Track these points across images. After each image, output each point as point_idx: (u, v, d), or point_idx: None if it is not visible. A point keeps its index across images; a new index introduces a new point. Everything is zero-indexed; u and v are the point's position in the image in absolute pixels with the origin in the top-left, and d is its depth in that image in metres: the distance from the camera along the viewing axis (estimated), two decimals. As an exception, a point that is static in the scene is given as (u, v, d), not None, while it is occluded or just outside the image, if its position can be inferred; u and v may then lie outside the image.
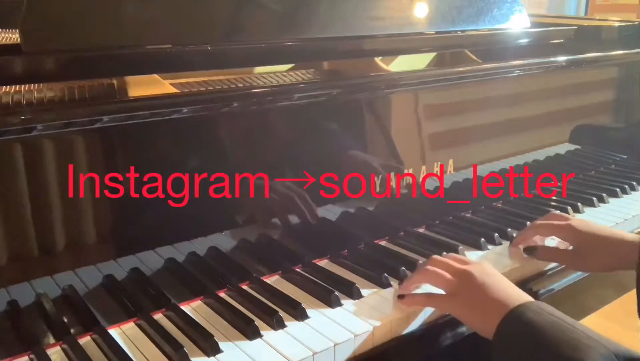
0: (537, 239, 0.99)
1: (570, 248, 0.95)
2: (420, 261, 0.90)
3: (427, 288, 0.83)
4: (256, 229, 0.87)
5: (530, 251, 0.96)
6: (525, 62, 1.14)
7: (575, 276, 0.98)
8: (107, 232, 0.75)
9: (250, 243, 0.87)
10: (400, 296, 0.81)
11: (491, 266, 0.80)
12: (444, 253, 0.93)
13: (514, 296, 0.73)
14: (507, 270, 0.92)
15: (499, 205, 1.18)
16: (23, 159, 0.67)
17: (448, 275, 0.79)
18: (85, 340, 0.74)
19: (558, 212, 1.05)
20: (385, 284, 0.86)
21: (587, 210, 1.17)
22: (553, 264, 0.98)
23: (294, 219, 0.91)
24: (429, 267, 0.81)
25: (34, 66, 0.70)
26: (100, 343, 0.73)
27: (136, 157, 0.76)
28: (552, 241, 0.99)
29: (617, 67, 1.40)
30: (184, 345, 0.70)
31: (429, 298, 0.80)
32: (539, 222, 0.98)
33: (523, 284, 0.92)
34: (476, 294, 0.75)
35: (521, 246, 0.98)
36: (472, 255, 0.96)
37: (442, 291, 0.79)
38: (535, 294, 0.92)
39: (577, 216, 1.13)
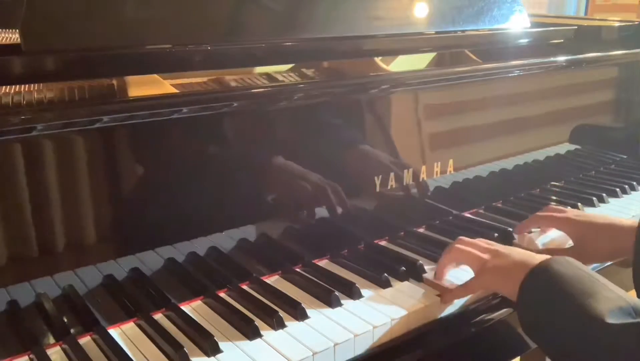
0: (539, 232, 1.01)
1: (570, 241, 0.96)
2: (421, 262, 0.91)
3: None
4: (256, 229, 0.87)
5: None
6: (525, 62, 1.14)
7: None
8: (107, 232, 0.75)
9: (250, 243, 0.87)
10: (429, 282, 0.84)
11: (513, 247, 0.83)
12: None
13: (537, 257, 0.76)
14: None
15: (499, 205, 1.19)
16: (23, 159, 0.67)
17: (476, 251, 0.82)
18: (85, 340, 0.74)
19: (554, 205, 1.07)
20: (385, 284, 0.86)
21: (587, 210, 1.16)
22: None
23: (294, 219, 0.91)
24: (459, 245, 0.84)
25: (34, 66, 0.70)
26: (100, 343, 0.73)
27: (136, 157, 0.76)
28: (552, 234, 1.00)
29: (617, 67, 1.40)
30: (184, 345, 0.70)
31: (464, 287, 0.82)
32: (539, 214, 1.01)
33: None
34: (503, 259, 0.78)
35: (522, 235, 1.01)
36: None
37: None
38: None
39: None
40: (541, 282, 0.72)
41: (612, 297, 0.67)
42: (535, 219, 1.01)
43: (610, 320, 0.64)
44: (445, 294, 0.83)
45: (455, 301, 0.83)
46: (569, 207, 1.14)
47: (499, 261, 0.79)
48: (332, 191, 0.93)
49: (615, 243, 0.90)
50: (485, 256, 0.81)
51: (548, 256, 0.76)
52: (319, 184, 0.91)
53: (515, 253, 0.79)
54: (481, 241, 0.86)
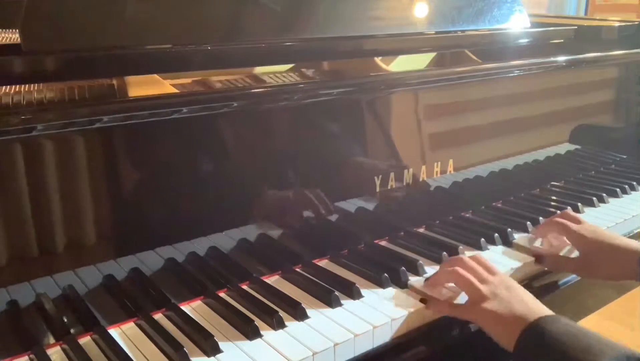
0: (551, 237, 1.01)
1: (576, 252, 0.96)
2: (421, 262, 0.91)
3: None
4: (256, 229, 0.87)
5: (538, 260, 0.96)
6: (525, 62, 1.14)
7: (576, 276, 0.98)
8: (107, 232, 0.75)
9: (250, 243, 0.87)
10: (423, 301, 0.83)
11: (512, 279, 0.83)
12: (444, 253, 0.93)
13: (534, 310, 0.76)
14: (507, 269, 0.92)
15: (499, 205, 1.18)
16: (23, 159, 0.67)
17: (476, 282, 0.80)
18: (85, 340, 0.74)
19: (570, 211, 1.07)
20: (385, 284, 0.86)
21: (587, 210, 1.17)
22: None
23: (294, 219, 0.91)
24: (459, 270, 0.82)
25: (34, 66, 0.70)
26: (100, 343, 0.73)
27: (136, 157, 0.76)
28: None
29: (617, 67, 1.40)
30: (184, 345, 0.70)
31: (454, 307, 0.82)
32: (554, 219, 1.01)
33: (525, 283, 0.92)
34: (500, 306, 0.77)
35: (537, 242, 1.01)
36: (472, 255, 0.96)
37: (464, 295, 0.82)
38: (537, 293, 0.92)
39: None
40: (538, 339, 0.72)
41: (606, 350, 0.67)
42: (549, 224, 1.01)
43: None
44: (434, 304, 0.82)
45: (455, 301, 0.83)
46: (569, 208, 1.14)
47: (497, 306, 0.77)
48: (332, 191, 0.93)
49: (621, 266, 0.90)
50: (484, 289, 0.79)
51: (542, 310, 0.76)
52: (320, 183, 0.91)
53: (515, 300, 0.78)
54: (482, 267, 0.83)
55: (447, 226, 1.07)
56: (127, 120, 0.72)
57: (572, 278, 0.98)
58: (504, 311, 0.77)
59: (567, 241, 0.98)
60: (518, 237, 1.03)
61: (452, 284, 0.85)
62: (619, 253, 0.91)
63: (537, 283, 0.95)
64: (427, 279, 0.87)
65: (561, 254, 0.98)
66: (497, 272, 0.83)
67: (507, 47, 1.18)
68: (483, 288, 0.80)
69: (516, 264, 0.94)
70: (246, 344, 0.73)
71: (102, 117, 0.70)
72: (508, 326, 0.75)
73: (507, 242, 1.02)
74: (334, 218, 0.95)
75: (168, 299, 0.80)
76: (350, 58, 1.08)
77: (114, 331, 0.75)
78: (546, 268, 0.97)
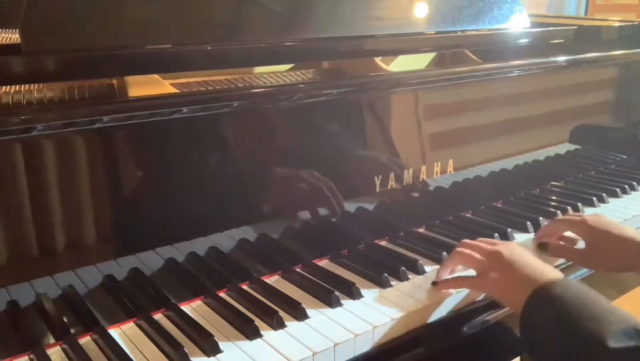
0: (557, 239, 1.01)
1: (582, 243, 0.96)
2: (421, 262, 0.91)
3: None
4: (256, 229, 0.87)
5: (543, 248, 0.97)
6: (525, 62, 1.14)
7: (576, 276, 0.98)
8: (107, 232, 0.75)
9: (250, 243, 0.87)
10: (434, 283, 0.84)
11: (519, 246, 0.83)
12: (444, 253, 0.93)
13: (543, 272, 0.75)
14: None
15: (499, 205, 1.18)
16: (23, 159, 0.67)
17: (478, 255, 0.82)
18: (85, 340, 0.73)
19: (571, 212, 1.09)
20: (385, 284, 0.86)
21: (587, 210, 1.17)
22: (559, 261, 0.98)
23: (294, 219, 0.91)
24: (460, 249, 0.84)
25: (34, 66, 0.70)
26: (100, 343, 0.73)
27: (136, 157, 0.76)
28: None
29: (617, 67, 1.40)
30: (184, 345, 0.70)
31: (461, 280, 0.83)
32: (558, 219, 1.03)
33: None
34: (506, 271, 0.78)
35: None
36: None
37: (473, 272, 0.83)
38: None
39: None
40: (546, 303, 0.71)
41: (614, 320, 0.66)
42: (553, 224, 1.01)
43: (612, 344, 0.64)
44: (443, 282, 0.84)
45: (455, 301, 0.83)
46: (569, 208, 1.14)
47: (502, 273, 0.78)
48: (332, 191, 0.93)
49: (624, 257, 0.90)
50: (487, 259, 0.81)
51: (551, 273, 0.75)
52: (319, 184, 0.91)
53: (522, 264, 0.77)
54: (484, 242, 0.85)
55: (447, 226, 1.07)
56: (127, 120, 0.72)
57: (572, 277, 0.98)
58: (511, 277, 0.77)
59: (576, 236, 0.98)
60: (518, 237, 1.03)
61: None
62: (624, 245, 0.91)
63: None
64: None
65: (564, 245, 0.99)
66: (500, 243, 0.84)
67: (507, 47, 1.18)
68: (486, 258, 0.80)
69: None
70: (246, 344, 0.73)
71: (102, 117, 0.70)
72: (515, 290, 0.75)
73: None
74: (334, 218, 0.95)
75: (168, 299, 0.80)
76: (350, 58, 1.08)
77: (114, 331, 0.75)
78: (551, 256, 0.97)
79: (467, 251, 0.84)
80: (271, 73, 1.07)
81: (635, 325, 0.66)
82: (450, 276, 0.86)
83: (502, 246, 0.82)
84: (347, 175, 0.95)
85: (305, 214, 0.91)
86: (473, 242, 0.86)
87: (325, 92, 0.89)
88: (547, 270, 0.76)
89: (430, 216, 1.08)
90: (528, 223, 1.06)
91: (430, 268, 0.90)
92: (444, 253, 0.94)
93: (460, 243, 0.88)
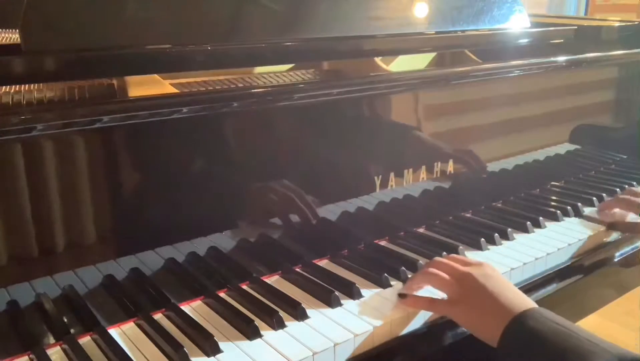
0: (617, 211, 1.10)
1: (633, 215, 1.02)
2: (421, 262, 0.91)
3: (431, 288, 0.83)
4: (256, 229, 0.87)
5: (611, 225, 1.04)
6: (525, 62, 1.14)
7: (576, 276, 0.98)
8: (107, 232, 0.75)
9: (250, 243, 0.87)
10: (402, 295, 0.81)
11: (492, 267, 0.80)
12: (444, 253, 0.93)
13: (515, 301, 0.72)
14: (506, 270, 0.92)
15: (499, 205, 1.19)
16: (23, 159, 0.67)
17: (448, 278, 0.78)
18: (85, 340, 0.73)
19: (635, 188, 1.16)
20: (385, 284, 0.86)
21: (587, 210, 1.16)
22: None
23: (294, 219, 0.91)
24: (430, 269, 0.81)
25: (34, 66, 0.70)
26: (100, 343, 0.73)
27: (136, 157, 0.76)
28: None
29: (617, 67, 1.40)
30: (184, 345, 0.70)
31: (431, 303, 0.80)
32: (620, 196, 1.10)
33: (525, 284, 0.92)
34: (477, 299, 0.74)
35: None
36: (472, 255, 0.96)
37: (444, 295, 0.79)
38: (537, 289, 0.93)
39: (578, 216, 1.13)
40: (522, 338, 0.68)
41: (597, 350, 0.64)
42: (616, 200, 1.07)
43: None
44: (413, 300, 0.80)
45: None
46: (569, 208, 1.14)
47: (473, 299, 0.74)
48: (332, 191, 0.93)
49: None
50: (458, 284, 0.76)
51: (524, 302, 0.72)
52: (320, 183, 0.91)
53: (490, 286, 0.73)
54: (456, 261, 0.81)
55: (447, 226, 1.07)
56: (127, 120, 0.72)
57: (572, 278, 0.98)
58: (480, 305, 0.73)
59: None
60: (518, 237, 1.03)
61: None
62: None
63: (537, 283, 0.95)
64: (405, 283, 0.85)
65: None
66: (474, 263, 0.80)
67: (507, 47, 1.18)
68: (457, 281, 0.77)
69: (516, 264, 0.94)
70: (246, 344, 0.73)
71: (102, 117, 0.70)
72: (488, 320, 0.71)
73: (507, 241, 1.01)
74: (334, 218, 0.95)
75: (168, 299, 0.80)
76: (350, 58, 1.08)
77: (114, 331, 0.75)
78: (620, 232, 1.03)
79: (437, 272, 0.80)
80: (271, 73, 1.07)
81: (617, 354, 0.63)
82: (420, 294, 0.82)
83: (473, 268, 0.78)
84: (347, 175, 0.95)
85: (305, 214, 0.91)
86: (444, 261, 0.82)
87: (325, 92, 0.89)
88: (520, 298, 0.73)
89: (430, 216, 1.08)
90: (528, 223, 1.06)
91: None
92: (444, 253, 0.94)
93: (432, 261, 0.84)
